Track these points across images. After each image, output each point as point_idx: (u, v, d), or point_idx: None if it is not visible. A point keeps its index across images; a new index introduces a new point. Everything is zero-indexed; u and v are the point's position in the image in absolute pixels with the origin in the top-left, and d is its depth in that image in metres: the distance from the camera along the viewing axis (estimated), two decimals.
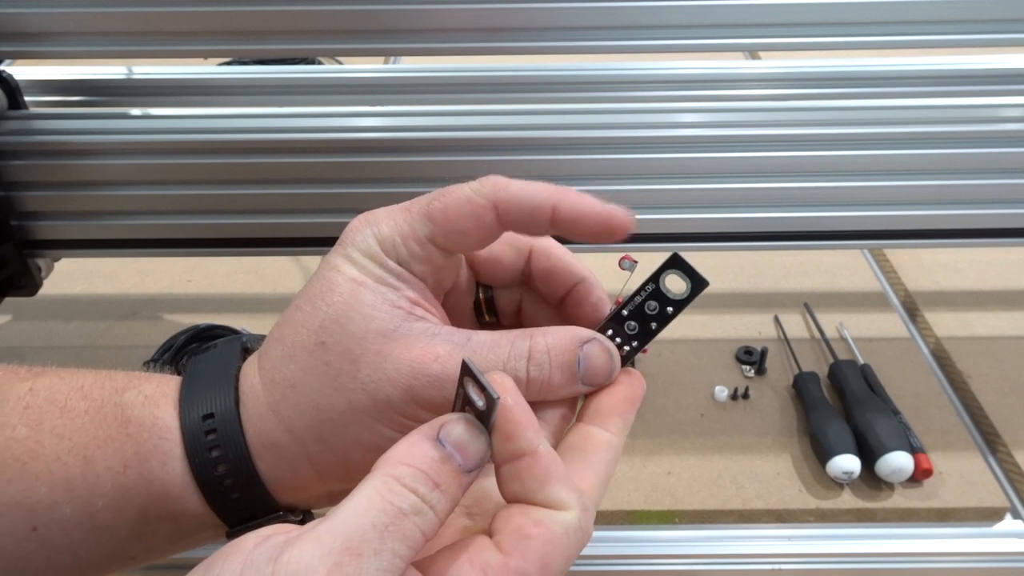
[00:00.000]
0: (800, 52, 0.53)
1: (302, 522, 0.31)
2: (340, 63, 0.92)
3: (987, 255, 0.82)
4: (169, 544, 0.31)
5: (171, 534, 0.31)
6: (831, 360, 0.67)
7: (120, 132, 0.55)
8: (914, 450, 0.58)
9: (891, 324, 0.73)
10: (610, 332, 0.31)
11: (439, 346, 0.28)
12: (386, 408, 0.28)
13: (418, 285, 0.30)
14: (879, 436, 0.57)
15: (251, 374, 0.30)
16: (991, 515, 0.57)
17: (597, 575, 0.57)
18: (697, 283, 0.30)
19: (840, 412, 0.62)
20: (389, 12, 0.49)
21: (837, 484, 0.58)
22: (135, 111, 0.58)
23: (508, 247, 0.32)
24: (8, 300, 0.59)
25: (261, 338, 0.31)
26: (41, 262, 0.59)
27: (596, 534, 0.56)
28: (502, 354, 0.28)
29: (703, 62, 0.59)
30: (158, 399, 0.31)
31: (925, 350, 0.72)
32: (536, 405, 0.30)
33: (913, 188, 0.55)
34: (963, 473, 0.59)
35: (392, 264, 0.29)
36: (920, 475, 0.57)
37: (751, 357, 0.68)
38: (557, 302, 0.33)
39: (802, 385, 0.65)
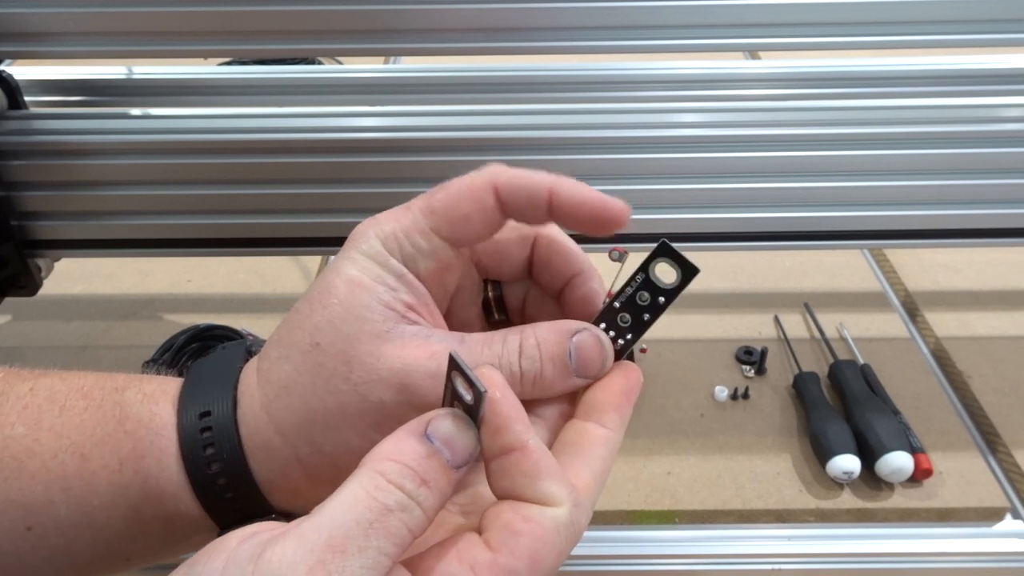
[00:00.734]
0: (800, 52, 0.53)
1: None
2: (340, 63, 0.92)
3: (987, 255, 0.82)
4: (163, 546, 0.31)
5: (165, 535, 0.31)
6: (831, 360, 0.67)
7: (120, 132, 0.55)
8: (914, 450, 0.58)
9: (891, 324, 0.73)
10: (603, 325, 0.30)
11: (434, 344, 0.28)
12: (379, 413, 0.28)
13: (418, 289, 0.29)
14: (879, 436, 0.57)
15: (249, 374, 0.30)
16: (991, 515, 0.57)
17: (597, 575, 0.57)
18: (687, 271, 0.29)
19: (840, 412, 0.62)
20: (389, 12, 0.49)
21: (837, 484, 0.58)
22: (135, 111, 0.58)
23: (513, 236, 0.32)
24: (8, 300, 0.59)
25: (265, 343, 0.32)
26: (41, 262, 0.59)
27: (596, 534, 0.56)
28: (496, 350, 0.28)
29: (703, 62, 0.59)
30: (158, 397, 0.31)
31: (925, 350, 0.72)
32: (534, 403, 0.30)
33: (913, 188, 0.55)
34: (963, 473, 0.59)
35: (395, 263, 0.29)
36: (920, 475, 0.57)
37: (751, 357, 0.68)
38: (557, 295, 0.33)
39: (802, 385, 0.65)
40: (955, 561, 0.56)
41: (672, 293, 0.30)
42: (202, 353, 0.66)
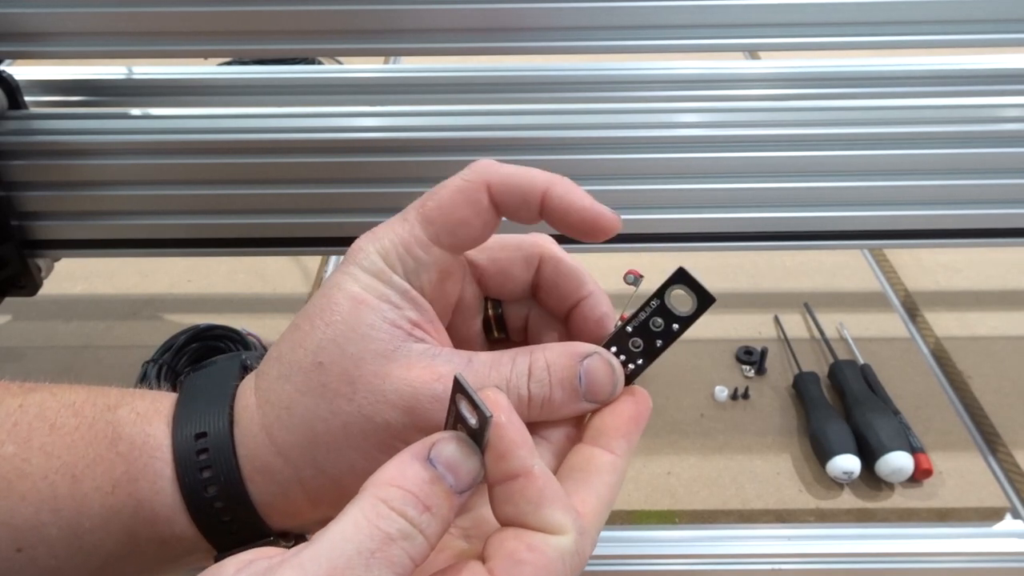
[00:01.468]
0: (800, 52, 0.53)
1: (293, 546, 0.31)
2: (340, 63, 0.92)
3: (987, 255, 0.82)
4: (158, 566, 0.31)
5: (160, 557, 0.30)
6: (831, 360, 0.67)
7: (120, 132, 0.55)
8: (914, 450, 0.58)
9: (891, 324, 0.73)
10: (614, 349, 0.30)
11: (441, 366, 0.27)
12: (384, 433, 0.27)
13: (422, 305, 0.29)
14: (879, 436, 0.57)
15: (247, 394, 0.30)
16: (991, 515, 0.57)
17: (597, 575, 0.57)
18: (703, 299, 0.29)
19: (840, 412, 0.62)
20: (389, 12, 0.49)
21: (837, 484, 0.58)
22: (135, 111, 0.58)
23: (518, 256, 0.31)
24: (8, 300, 0.59)
25: (262, 356, 0.31)
26: (41, 262, 0.59)
27: None
28: (504, 372, 0.28)
29: (703, 62, 0.59)
30: (151, 416, 0.30)
31: (925, 350, 0.72)
32: (540, 425, 0.29)
33: (913, 188, 0.55)
34: (963, 473, 0.59)
35: (397, 280, 0.28)
36: (920, 475, 0.57)
37: (751, 357, 0.68)
38: (563, 316, 0.32)
39: (802, 385, 0.65)
40: (955, 561, 0.56)
41: (687, 321, 0.29)
42: (202, 353, 0.66)
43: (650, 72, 0.59)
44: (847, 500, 0.57)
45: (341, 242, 0.57)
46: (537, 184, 0.28)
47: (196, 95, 0.59)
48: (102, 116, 0.57)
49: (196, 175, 0.55)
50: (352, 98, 0.59)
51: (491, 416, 0.23)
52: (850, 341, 0.70)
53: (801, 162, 0.55)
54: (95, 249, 0.58)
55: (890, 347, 0.70)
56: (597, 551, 0.56)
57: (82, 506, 0.28)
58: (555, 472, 0.28)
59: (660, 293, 0.29)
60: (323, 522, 0.31)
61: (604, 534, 0.56)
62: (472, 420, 0.24)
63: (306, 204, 0.56)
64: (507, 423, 0.24)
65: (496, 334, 0.33)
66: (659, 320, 0.29)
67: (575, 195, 0.28)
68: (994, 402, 0.65)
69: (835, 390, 0.65)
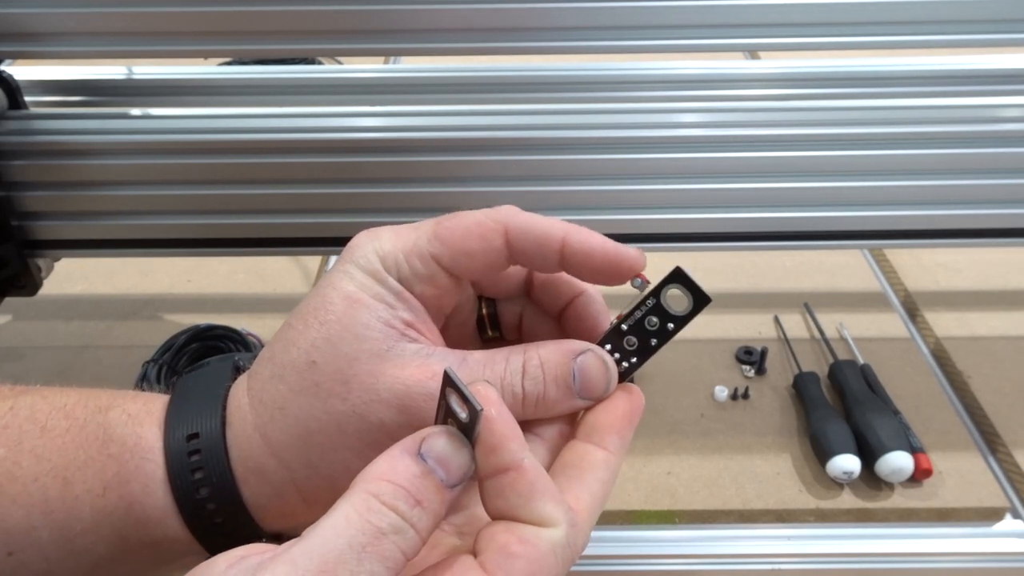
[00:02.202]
0: (800, 52, 0.53)
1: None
2: (340, 63, 0.92)
3: (987, 255, 0.82)
4: (150, 569, 0.31)
5: (152, 560, 0.30)
6: (831, 360, 0.67)
7: (120, 132, 0.55)
8: (914, 450, 0.58)
9: (891, 324, 0.73)
10: (609, 347, 0.30)
11: (435, 364, 0.27)
12: (379, 432, 0.27)
13: (416, 307, 0.29)
14: (879, 436, 0.57)
15: (240, 394, 0.29)
16: (991, 515, 0.57)
17: (597, 575, 0.57)
18: (699, 299, 0.29)
19: (840, 412, 0.62)
20: (389, 12, 0.49)
21: (837, 484, 0.58)
22: (135, 111, 0.58)
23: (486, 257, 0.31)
24: (8, 300, 0.59)
25: (255, 357, 0.31)
26: (41, 262, 0.59)
27: (596, 534, 0.56)
28: (499, 370, 0.28)
29: (703, 62, 0.59)
30: (143, 418, 0.30)
31: (925, 350, 0.72)
32: (534, 422, 0.29)
33: (913, 188, 0.55)
34: (963, 473, 0.59)
35: (392, 282, 0.28)
36: (920, 475, 0.57)
37: (751, 357, 0.68)
38: (557, 315, 0.32)
39: (802, 385, 0.65)
40: (955, 561, 0.56)
41: (682, 320, 0.29)
42: (202, 353, 0.66)
43: (650, 72, 0.59)
44: (847, 500, 0.57)
45: (341, 242, 0.56)
46: (554, 233, 0.28)
47: (196, 95, 0.59)
48: (102, 116, 0.57)
49: (196, 175, 0.55)
50: (352, 98, 0.59)
51: (481, 410, 0.23)
52: (850, 341, 0.70)
53: (801, 162, 0.55)
54: (95, 249, 0.58)
55: (890, 347, 0.70)
56: (597, 551, 0.56)
57: (73, 509, 0.28)
58: (549, 469, 0.28)
59: (656, 292, 0.29)
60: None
61: (604, 534, 0.56)
62: (463, 414, 0.24)
63: (306, 204, 0.56)
64: (497, 416, 0.24)
65: (490, 333, 0.33)
66: (654, 319, 0.29)
67: (594, 241, 0.28)
68: (994, 402, 0.65)
69: (835, 390, 0.65)
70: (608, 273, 0.29)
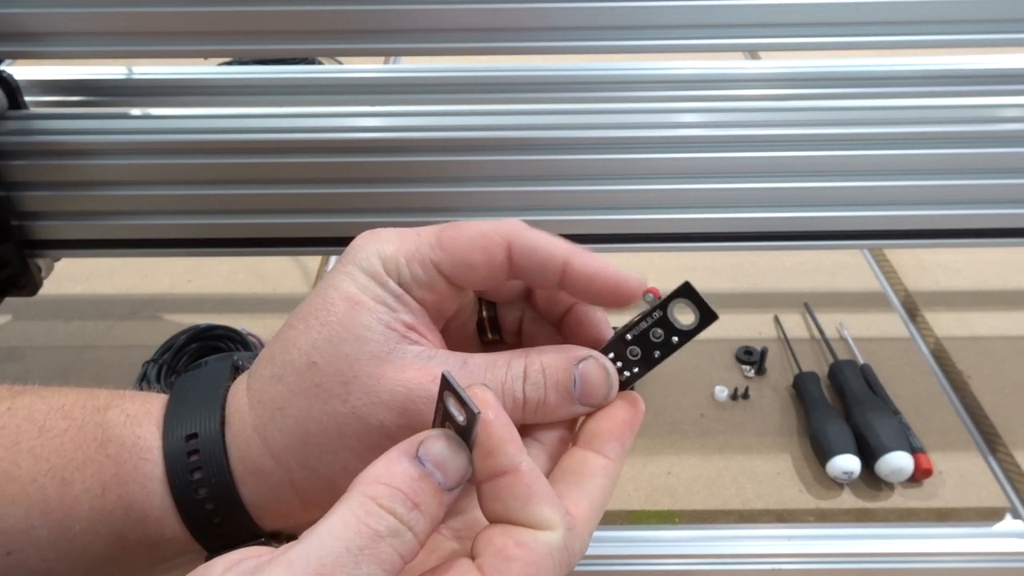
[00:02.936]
0: (800, 52, 0.53)
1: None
2: (340, 63, 0.92)
3: (987, 255, 0.82)
4: (148, 569, 0.31)
5: (150, 559, 0.30)
6: (831, 360, 0.67)
7: (120, 132, 0.55)
8: (914, 450, 0.58)
9: (891, 324, 0.73)
10: (611, 355, 0.30)
11: (435, 367, 0.27)
12: (378, 435, 0.27)
13: (416, 310, 0.29)
14: (879, 436, 0.57)
15: (239, 394, 0.29)
16: (991, 515, 0.57)
17: (597, 575, 0.57)
18: (706, 316, 0.29)
19: (840, 412, 0.62)
20: (389, 12, 0.49)
21: (837, 484, 0.58)
22: (135, 111, 0.58)
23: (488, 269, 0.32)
24: (8, 300, 0.59)
25: (255, 356, 0.30)
26: (41, 262, 0.59)
27: (596, 534, 0.56)
28: (499, 375, 0.28)
29: (703, 62, 0.59)
30: (141, 418, 0.30)
31: (925, 350, 0.72)
32: (534, 427, 0.29)
33: (913, 188, 0.55)
34: (963, 473, 0.59)
35: (392, 285, 0.28)
36: (920, 475, 0.57)
37: (751, 357, 0.68)
38: (557, 320, 0.32)
39: (802, 385, 0.65)
40: (955, 561, 0.56)
41: (687, 335, 0.29)
42: (202, 353, 0.66)
43: (650, 72, 0.59)
44: (847, 500, 0.57)
45: (341, 242, 0.57)
46: (557, 255, 0.28)
47: (196, 95, 0.59)
48: (102, 116, 0.57)
49: (196, 175, 0.55)
50: (352, 98, 0.59)
51: (479, 413, 0.23)
52: (850, 341, 0.70)
53: (801, 162, 0.55)
54: (95, 249, 0.58)
55: (890, 347, 0.70)
56: (597, 551, 0.56)
57: (71, 509, 0.28)
58: (548, 474, 0.28)
59: (664, 305, 0.29)
60: (313, 523, 0.31)
61: (604, 534, 0.56)
62: (460, 417, 0.24)
63: (306, 204, 0.56)
64: (495, 420, 0.24)
65: (490, 336, 0.33)
66: (659, 331, 0.29)
67: (595, 263, 0.28)
68: (994, 402, 0.65)
69: (835, 390, 0.65)
70: (608, 298, 0.29)
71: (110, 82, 0.58)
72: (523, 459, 0.24)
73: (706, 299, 0.29)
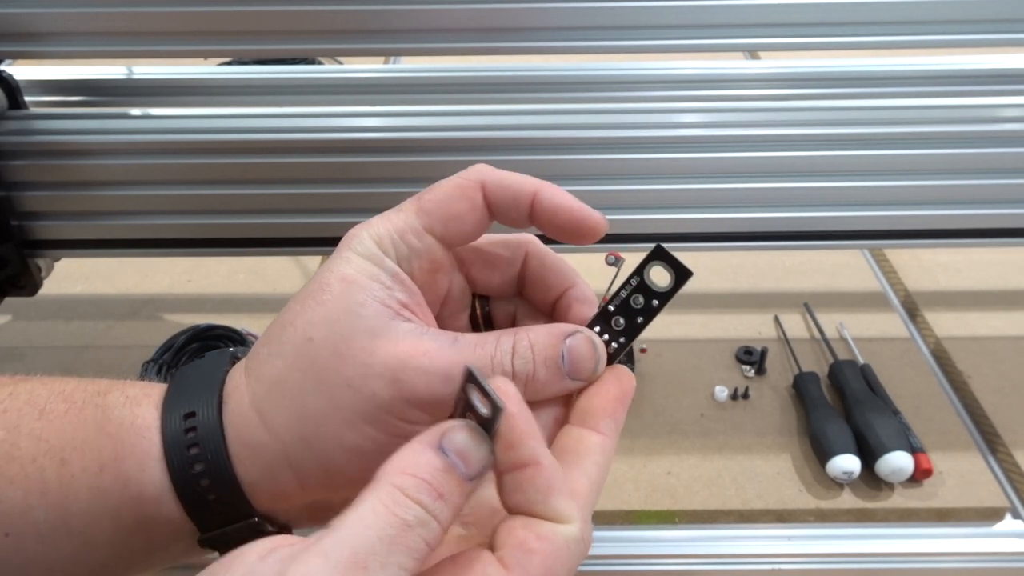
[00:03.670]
0: (800, 52, 0.53)
1: (276, 533, 0.30)
2: (340, 63, 0.92)
3: (987, 255, 0.82)
4: (144, 556, 0.31)
5: (145, 545, 0.30)
6: (831, 360, 0.67)
7: (120, 132, 0.55)
8: (914, 450, 0.58)
9: (891, 324, 0.73)
10: (597, 329, 0.30)
11: (427, 343, 0.28)
12: (371, 405, 0.28)
13: (411, 288, 0.29)
14: (879, 436, 0.57)
15: (238, 375, 0.30)
16: (991, 515, 0.57)
17: (597, 575, 0.57)
18: (681, 274, 0.29)
19: (840, 412, 0.62)
20: (389, 12, 0.49)
21: (837, 484, 0.58)
22: (135, 111, 0.58)
23: (505, 252, 0.32)
24: (8, 300, 0.59)
25: None
26: (41, 262, 0.59)
27: (596, 534, 0.56)
28: (489, 350, 0.28)
29: (703, 62, 0.59)
30: (140, 399, 0.30)
31: (925, 350, 0.72)
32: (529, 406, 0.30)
33: (913, 188, 0.55)
34: (963, 473, 0.59)
35: (389, 263, 0.29)
36: (920, 475, 0.57)
37: (751, 357, 0.68)
38: (549, 309, 0.33)
39: (802, 385, 0.65)
40: (955, 561, 0.56)
41: (666, 296, 0.30)
42: (202, 353, 0.66)
43: (650, 72, 0.59)
44: (847, 500, 0.57)
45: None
46: (527, 187, 0.30)
47: (196, 95, 0.59)
48: (102, 116, 0.57)
49: (196, 175, 0.55)
50: (352, 98, 0.59)
51: (504, 407, 0.24)
52: (850, 341, 0.70)
53: (801, 162, 0.55)
54: (95, 249, 0.58)
55: (890, 347, 0.70)
56: (597, 551, 0.56)
57: (69, 489, 0.29)
58: None
59: (639, 271, 0.30)
60: (310, 510, 0.31)
61: (604, 534, 0.56)
62: (484, 410, 0.24)
63: (306, 204, 0.56)
64: (518, 414, 0.25)
65: (483, 330, 0.34)
66: (639, 297, 0.30)
67: (563, 197, 0.30)
68: (994, 402, 0.65)
69: (835, 390, 0.65)
70: (572, 231, 0.30)
71: (110, 82, 0.58)
72: (544, 453, 0.25)
73: (679, 258, 0.30)
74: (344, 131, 0.55)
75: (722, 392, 0.65)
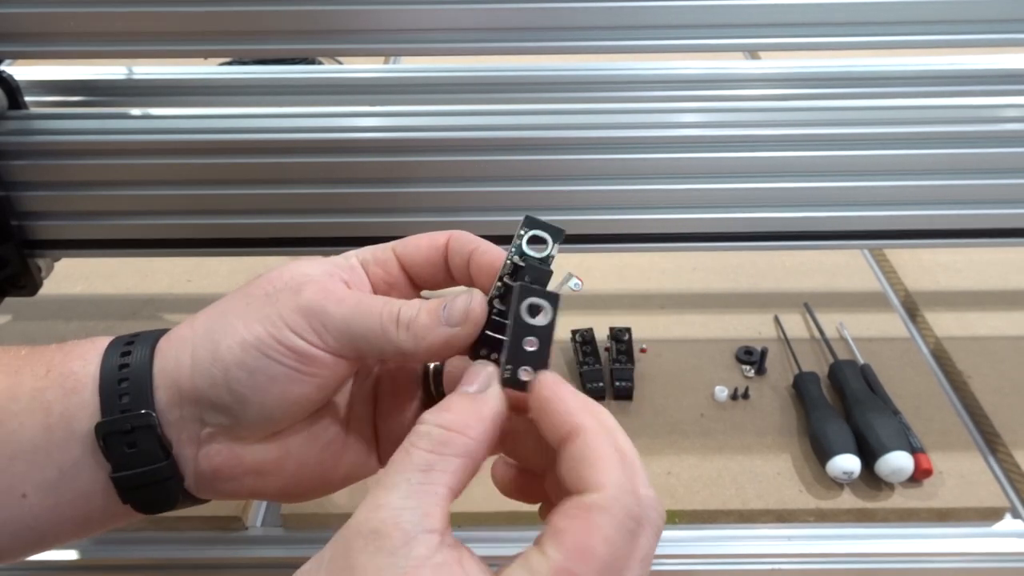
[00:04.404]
0: (800, 52, 0.53)
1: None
2: (340, 63, 0.92)
3: (987, 255, 0.82)
4: (57, 478, 0.32)
5: (61, 456, 0.32)
6: (831, 360, 0.67)
7: (120, 132, 0.55)
8: (914, 450, 0.58)
9: (891, 324, 0.73)
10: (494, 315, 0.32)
11: (340, 288, 0.33)
12: (270, 309, 0.32)
13: (360, 276, 0.35)
14: (879, 436, 0.57)
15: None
16: (991, 515, 0.57)
17: None
18: (555, 233, 0.32)
19: (840, 412, 0.62)
20: (389, 12, 0.49)
21: (837, 484, 0.58)
22: (135, 111, 0.58)
23: (437, 246, 0.36)
24: (8, 300, 0.59)
25: None
26: (41, 262, 0.59)
27: None
28: (384, 299, 0.33)
29: (703, 62, 0.59)
30: (97, 336, 0.34)
31: (925, 350, 0.72)
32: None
33: (913, 188, 0.55)
34: (963, 473, 0.59)
35: (353, 260, 0.35)
36: (920, 475, 0.57)
37: (751, 357, 0.68)
38: (468, 281, 0.35)
39: (802, 385, 0.65)
40: (955, 561, 0.56)
41: (548, 258, 0.32)
42: None
43: (650, 72, 0.59)
44: (847, 500, 0.57)
45: (341, 242, 0.57)
46: (439, 238, 0.35)
47: (196, 95, 0.59)
48: (102, 116, 0.57)
49: (196, 175, 0.55)
50: (352, 98, 0.59)
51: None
52: (850, 341, 0.70)
53: (801, 162, 0.55)
54: (95, 249, 0.58)
55: (890, 347, 0.70)
56: None
57: (16, 392, 0.32)
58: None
59: (518, 248, 0.32)
60: (196, 463, 0.34)
61: None
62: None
63: (306, 204, 0.56)
64: (555, 383, 0.29)
65: (434, 391, 0.37)
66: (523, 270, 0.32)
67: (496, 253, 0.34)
68: (994, 402, 0.65)
69: (835, 390, 0.65)
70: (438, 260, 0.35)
71: (110, 82, 0.58)
72: (580, 421, 0.28)
73: (546, 220, 0.32)
74: (344, 131, 0.55)
75: (722, 392, 0.65)
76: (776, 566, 0.56)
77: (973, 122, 0.55)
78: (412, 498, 0.25)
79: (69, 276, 0.78)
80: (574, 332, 0.68)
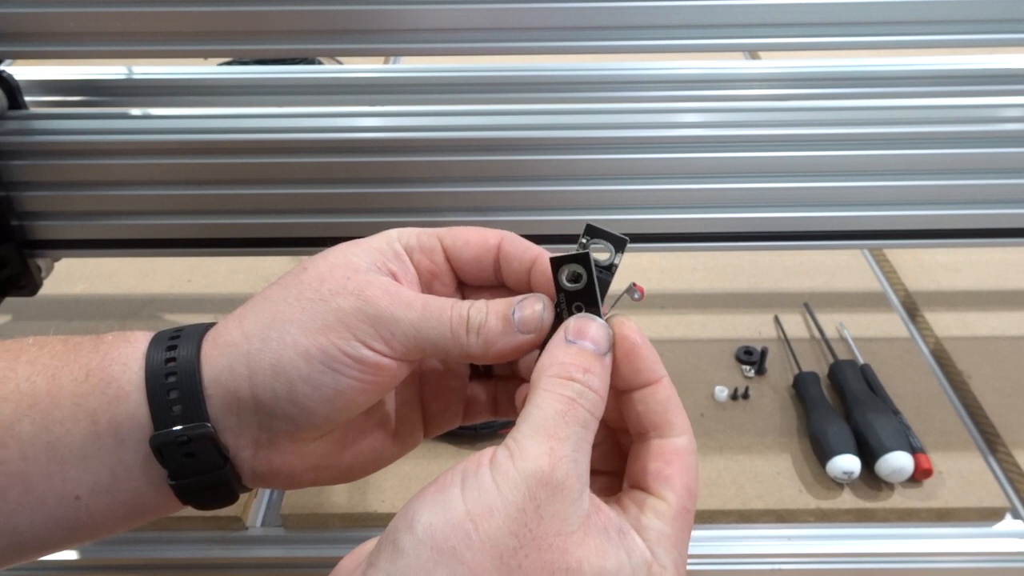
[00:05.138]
0: (800, 52, 0.53)
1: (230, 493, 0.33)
2: (340, 63, 0.92)
3: (987, 255, 0.82)
4: (113, 480, 0.32)
5: (112, 461, 0.31)
6: (831, 360, 0.67)
7: (120, 132, 0.55)
8: (914, 450, 0.58)
9: (891, 324, 0.73)
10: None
11: (402, 292, 0.32)
12: (332, 316, 0.31)
13: (407, 267, 0.34)
14: (879, 436, 0.57)
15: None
16: (991, 515, 0.57)
17: None
18: (617, 244, 0.32)
19: (840, 412, 0.62)
20: (389, 12, 0.49)
21: (837, 484, 0.58)
22: (135, 111, 0.58)
23: (483, 242, 0.35)
24: (8, 300, 0.59)
25: None
26: (41, 262, 0.59)
27: None
28: (450, 302, 0.32)
29: (703, 62, 0.59)
30: (136, 330, 0.33)
31: (925, 350, 0.72)
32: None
33: (913, 188, 0.55)
34: (963, 473, 0.59)
35: (397, 245, 0.34)
36: (920, 475, 0.57)
37: (751, 357, 0.68)
38: (527, 290, 0.35)
39: (802, 385, 0.65)
40: (955, 561, 0.56)
41: (612, 267, 0.32)
42: None
43: (650, 72, 0.59)
44: (847, 500, 0.57)
45: (341, 242, 0.57)
46: (532, 250, 0.34)
47: (196, 95, 0.59)
48: (102, 116, 0.57)
49: (196, 175, 0.55)
50: (352, 98, 0.59)
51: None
52: (850, 341, 0.70)
53: (801, 162, 0.55)
54: (95, 249, 0.58)
55: (890, 347, 0.70)
56: None
57: (56, 399, 0.31)
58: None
59: (583, 255, 0.32)
60: (252, 462, 0.33)
61: None
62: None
63: (306, 204, 0.56)
64: (642, 342, 0.30)
65: (481, 368, 0.38)
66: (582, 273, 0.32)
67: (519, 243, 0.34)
68: (994, 402, 0.65)
69: (835, 390, 0.65)
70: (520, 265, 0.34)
71: (110, 82, 0.58)
72: (661, 370, 0.31)
73: (610, 230, 0.32)
74: (344, 131, 0.55)
75: (722, 392, 0.65)
76: (776, 566, 0.56)
77: (973, 122, 0.55)
78: (580, 452, 0.27)
79: (69, 276, 0.78)
80: None
